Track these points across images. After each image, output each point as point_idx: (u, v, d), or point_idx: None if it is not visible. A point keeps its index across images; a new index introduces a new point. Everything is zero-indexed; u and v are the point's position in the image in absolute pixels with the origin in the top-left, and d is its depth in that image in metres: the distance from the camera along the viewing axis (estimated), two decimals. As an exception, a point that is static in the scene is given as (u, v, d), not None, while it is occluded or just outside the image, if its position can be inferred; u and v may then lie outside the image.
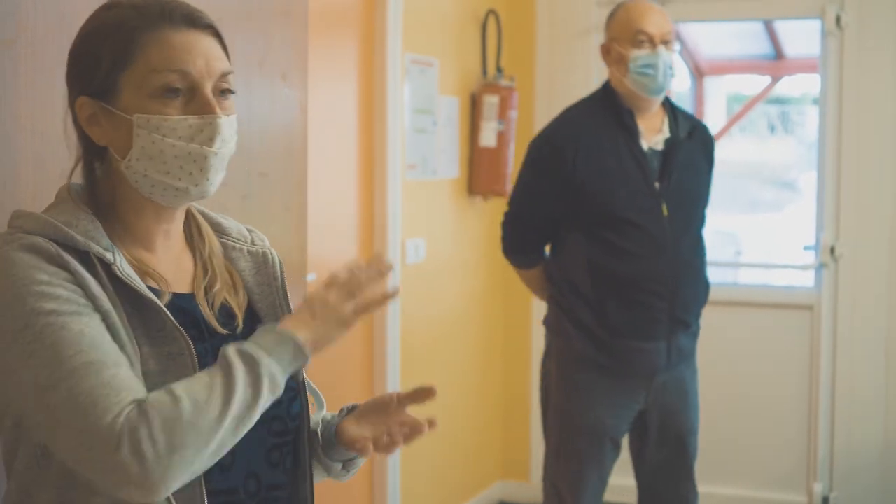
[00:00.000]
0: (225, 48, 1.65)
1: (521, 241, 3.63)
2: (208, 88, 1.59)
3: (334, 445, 1.79)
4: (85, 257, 1.54)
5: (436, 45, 4.67)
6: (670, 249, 3.41)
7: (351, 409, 1.82)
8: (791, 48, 7.41)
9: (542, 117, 5.21)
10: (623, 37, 3.40)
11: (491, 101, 4.89)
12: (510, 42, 5.18)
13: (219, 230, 1.79)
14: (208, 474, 1.55)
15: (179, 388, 1.44)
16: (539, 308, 5.29)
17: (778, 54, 7.46)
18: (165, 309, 1.56)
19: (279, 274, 1.80)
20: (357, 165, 4.18)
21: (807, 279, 5.16)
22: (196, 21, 1.61)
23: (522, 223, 3.59)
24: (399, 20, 4.29)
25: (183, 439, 1.41)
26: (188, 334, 1.59)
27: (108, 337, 1.47)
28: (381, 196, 4.29)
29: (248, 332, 1.67)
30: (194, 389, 1.44)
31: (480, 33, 5.01)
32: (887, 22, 4.78)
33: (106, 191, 1.63)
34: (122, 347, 1.49)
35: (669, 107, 3.54)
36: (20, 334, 1.45)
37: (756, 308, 5.07)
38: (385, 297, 1.58)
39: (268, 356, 1.49)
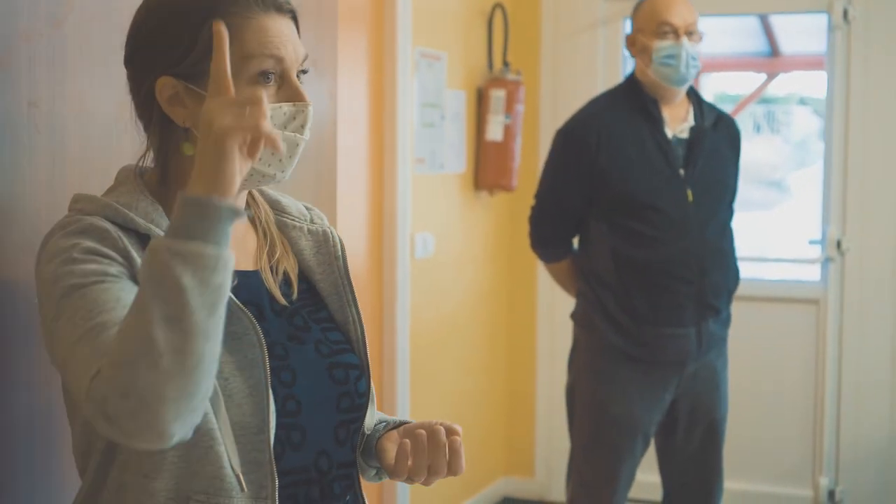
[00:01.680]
0: (299, 31, 1.64)
1: (548, 234, 3.63)
2: (295, 74, 1.58)
3: (372, 454, 1.75)
4: (145, 241, 1.52)
5: (444, 38, 4.65)
6: (696, 234, 3.42)
7: (397, 426, 1.77)
8: (787, 45, 7.44)
9: (548, 112, 5.22)
10: (648, 28, 3.43)
11: (498, 95, 4.87)
12: (516, 36, 5.17)
13: (277, 208, 1.77)
14: (279, 454, 1.55)
15: (113, 331, 1.38)
16: (544, 303, 5.29)
17: (774, 51, 7.48)
18: (231, 294, 1.53)
19: (340, 253, 1.78)
20: (367, 159, 4.15)
21: (813, 273, 5.16)
22: (282, 6, 1.60)
23: (549, 216, 3.60)
24: (409, 13, 4.27)
25: (124, 378, 1.31)
26: (253, 312, 1.57)
27: (129, 298, 1.41)
28: (390, 190, 4.26)
29: (304, 302, 1.69)
30: (121, 324, 1.36)
31: (487, 27, 4.99)
32: (895, 16, 4.78)
33: (179, 174, 1.61)
34: None
35: (695, 97, 3.56)
36: (49, 308, 1.45)
37: (762, 302, 5.06)
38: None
39: (169, 237, 1.34)
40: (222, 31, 1.42)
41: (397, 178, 4.26)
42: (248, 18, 1.55)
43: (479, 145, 4.94)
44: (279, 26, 1.57)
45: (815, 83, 10.74)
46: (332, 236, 1.80)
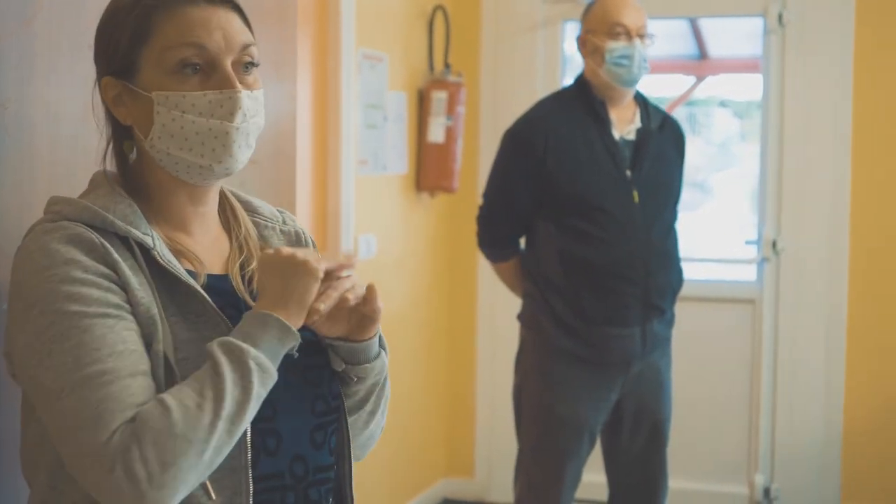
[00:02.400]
0: (247, 21, 1.63)
1: (495, 234, 3.65)
2: (227, 63, 1.56)
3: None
4: (125, 242, 1.52)
5: (386, 39, 4.64)
6: (642, 236, 3.45)
7: None
8: (716, 48, 7.52)
9: (488, 113, 5.23)
10: (600, 29, 3.45)
11: (439, 97, 4.87)
12: (457, 38, 5.18)
13: (250, 209, 1.77)
14: (255, 459, 1.53)
15: (169, 396, 1.40)
16: (484, 304, 5.30)
17: (703, 54, 7.57)
18: (205, 294, 1.54)
19: (311, 248, 1.79)
20: (311, 161, 4.13)
21: (748, 274, 5.23)
22: None
23: (496, 216, 3.61)
24: (352, 14, 4.25)
25: (175, 453, 1.37)
26: (230, 315, 1.56)
27: (133, 339, 1.44)
28: (334, 192, 4.24)
29: None
30: (184, 396, 1.40)
31: (428, 29, 4.99)
32: (829, 19, 4.87)
33: (138, 172, 1.62)
34: (153, 342, 1.47)
35: (641, 100, 3.59)
36: (44, 332, 1.43)
37: (698, 302, 5.11)
38: (347, 299, 1.57)
39: (253, 345, 1.45)
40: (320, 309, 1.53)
41: (341, 180, 4.24)
42: (172, 10, 1.55)
43: (421, 147, 4.93)
44: (206, 15, 1.56)
45: (736, 85, 10.90)
46: (304, 236, 1.81)
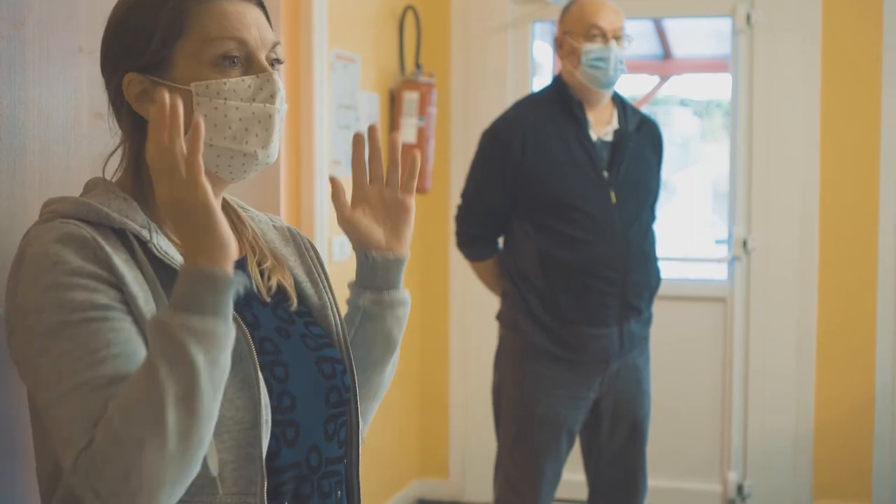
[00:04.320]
0: (269, 19, 1.64)
1: (473, 233, 3.65)
2: (263, 56, 1.57)
3: (392, 272, 1.78)
4: (122, 236, 1.51)
5: (357, 40, 4.63)
6: (619, 236, 3.46)
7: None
8: (679, 48, 7.58)
9: (458, 114, 5.23)
10: (577, 30, 3.46)
11: (411, 98, 4.87)
12: (428, 38, 5.18)
13: (240, 206, 1.78)
14: (275, 450, 1.53)
15: (113, 403, 1.36)
16: (456, 304, 5.31)
17: (666, 54, 7.62)
18: None
19: (309, 244, 1.80)
20: (284, 162, 4.11)
21: (719, 272, 5.26)
22: None
23: (475, 215, 3.62)
24: (324, 15, 4.25)
25: (128, 460, 1.32)
26: (241, 301, 1.55)
27: (119, 339, 1.41)
28: (307, 193, 4.24)
29: (283, 296, 1.68)
30: (124, 397, 1.35)
31: (398, 29, 4.99)
32: (797, 19, 4.90)
33: (136, 163, 1.60)
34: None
35: (619, 101, 3.61)
36: (30, 347, 1.42)
37: (670, 301, 5.14)
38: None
39: (186, 310, 1.35)
40: (200, 123, 1.38)
41: (315, 181, 4.23)
42: (206, 3, 1.55)
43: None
44: (241, 10, 1.57)
45: (700, 85, 10.97)
46: (296, 232, 1.82)
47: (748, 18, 4.94)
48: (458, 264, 5.21)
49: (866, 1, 4.83)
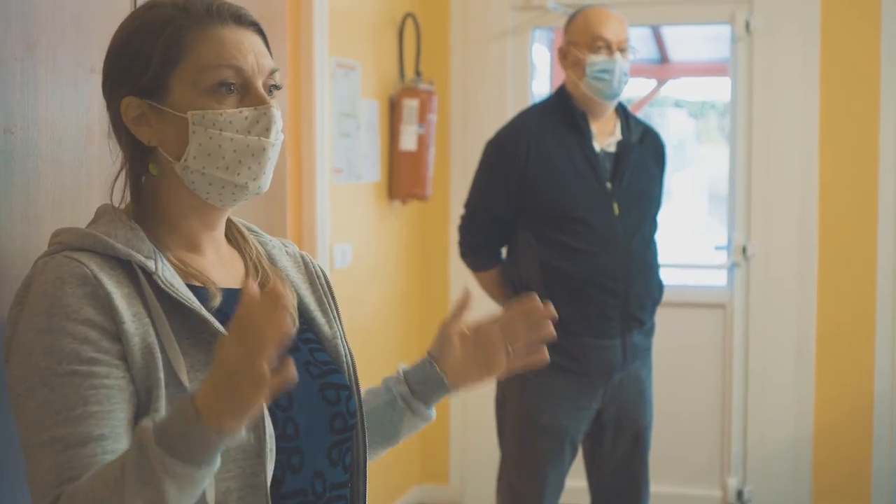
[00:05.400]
0: (268, 45, 1.64)
1: (477, 243, 3.65)
2: (260, 84, 1.57)
3: (444, 389, 1.83)
4: (127, 267, 1.51)
5: (357, 48, 4.64)
6: (622, 247, 3.47)
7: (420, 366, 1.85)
8: (676, 53, 7.58)
9: (458, 121, 5.24)
10: (582, 41, 3.46)
11: (411, 105, 4.88)
12: (427, 46, 5.18)
13: (252, 232, 1.78)
14: (280, 478, 1.54)
15: (87, 481, 1.37)
16: (455, 311, 5.31)
17: (663, 58, 7.63)
18: (209, 315, 1.53)
19: (321, 273, 1.80)
20: (286, 170, 4.11)
21: (719, 278, 5.27)
22: (242, 18, 1.59)
23: (478, 225, 3.62)
24: (325, 23, 4.25)
25: None
26: None
27: (97, 397, 1.42)
28: (309, 201, 4.24)
29: (302, 328, 1.69)
30: (92, 485, 1.36)
31: (398, 37, 4.99)
32: (795, 26, 4.92)
33: (151, 195, 1.61)
34: (153, 371, 1.46)
35: (622, 112, 3.61)
36: (17, 385, 1.45)
37: (669, 307, 5.14)
38: (283, 336, 1.30)
39: (164, 448, 1.31)
40: (251, 287, 1.31)
41: (316, 189, 4.23)
42: (204, 30, 1.55)
43: (393, 155, 4.93)
44: (238, 37, 1.57)
45: (696, 89, 10.97)
46: (309, 260, 1.82)
47: (747, 25, 4.95)
48: (458, 271, 5.21)
49: (864, 8, 4.85)
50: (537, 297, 1.80)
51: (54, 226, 1.90)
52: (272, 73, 1.60)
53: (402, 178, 4.92)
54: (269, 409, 1.53)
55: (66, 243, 1.52)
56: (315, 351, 1.69)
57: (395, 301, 5.10)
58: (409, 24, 5.05)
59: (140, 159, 1.60)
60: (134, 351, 1.46)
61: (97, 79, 2.01)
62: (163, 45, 1.54)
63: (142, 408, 1.47)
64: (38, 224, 1.87)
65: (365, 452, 1.74)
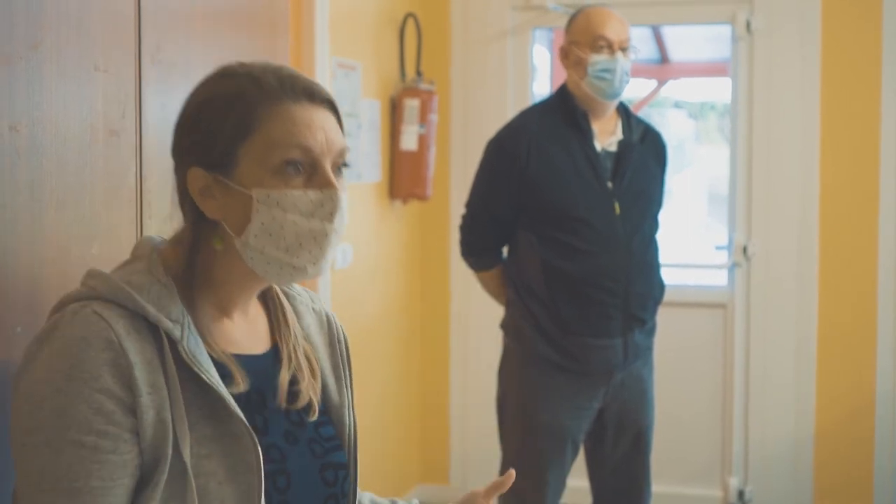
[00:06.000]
0: (340, 122, 1.61)
1: (477, 242, 3.65)
2: (328, 164, 1.54)
3: None
4: (154, 327, 1.50)
5: (358, 48, 4.64)
6: (623, 247, 3.47)
7: None
8: (676, 53, 7.58)
9: (458, 121, 5.24)
10: (583, 41, 3.46)
11: (412, 105, 4.88)
12: (428, 46, 5.18)
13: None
14: None
15: None
16: (456, 311, 5.32)
17: (664, 58, 7.63)
18: (227, 394, 1.51)
19: (343, 337, 1.79)
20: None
21: (720, 278, 5.28)
22: (315, 95, 1.56)
23: (479, 225, 3.62)
24: (326, 23, 4.25)
25: None
26: (255, 400, 1.57)
27: (99, 473, 1.42)
28: (310, 201, 4.23)
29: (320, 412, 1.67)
30: None
31: (399, 37, 4.99)
32: (796, 27, 4.92)
33: (204, 264, 1.58)
34: (162, 445, 1.45)
35: (623, 111, 3.61)
36: (23, 435, 1.44)
37: (670, 307, 5.14)
38: None
39: None
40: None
41: (319, 190, 4.22)
42: (276, 107, 1.52)
43: (394, 154, 4.93)
44: (310, 115, 1.54)
45: (696, 89, 10.97)
46: (333, 321, 1.79)
47: (748, 25, 4.96)
48: (459, 271, 5.22)
49: (866, 8, 4.85)
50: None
51: (59, 223, 1.91)
52: (342, 152, 1.57)
53: (403, 177, 4.92)
54: (267, 492, 1.52)
55: (99, 292, 1.50)
56: (320, 425, 1.68)
57: (395, 301, 5.10)
58: (410, 24, 5.05)
59: (201, 230, 1.57)
60: (146, 425, 1.45)
61: (101, 77, 2.02)
62: (233, 119, 1.52)
63: (144, 478, 1.46)
64: (42, 221, 1.87)
65: (356, 498, 1.73)
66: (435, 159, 5.05)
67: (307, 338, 1.72)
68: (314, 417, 1.65)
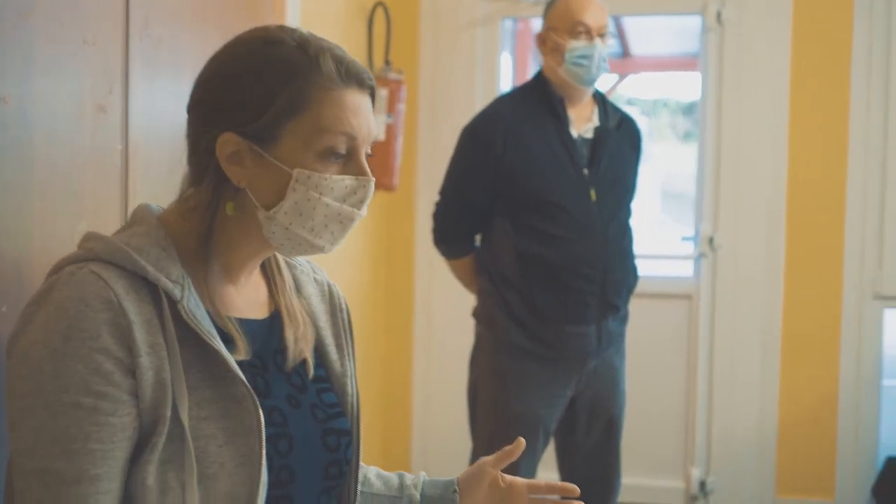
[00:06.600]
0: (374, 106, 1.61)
1: (451, 230, 3.63)
2: (364, 153, 1.56)
3: None
4: (153, 288, 1.48)
5: (327, 36, 4.54)
6: (599, 234, 3.46)
7: (447, 485, 1.86)
8: (638, 46, 7.61)
9: (426, 111, 5.22)
10: (561, 27, 3.45)
11: (380, 95, 4.84)
12: (397, 35, 5.15)
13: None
14: None
15: None
16: (421, 301, 5.29)
17: (625, 52, 7.65)
18: (228, 354, 1.50)
19: (345, 306, 1.78)
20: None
21: (686, 269, 5.29)
22: (364, 82, 1.56)
23: (453, 212, 3.60)
24: (297, 12, 4.21)
25: None
26: (257, 364, 1.56)
27: (98, 435, 1.41)
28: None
29: (314, 364, 1.66)
30: None
31: (367, 26, 4.96)
32: (767, 18, 4.94)
33: (221, 230, 1.56)
34: (160, 406, 1.44)
35: (599, 98, 3.60)
36: (19, 398, 1.42)
37: (636, 298, 5.14)
38: None
39: None
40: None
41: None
42: (328, 90, 1.51)
43: (361, 144, 4.89)
44: (357, 102, 1.54)
45: (650, 83, 11.01)
46: (335, 291, 1.79)
47: (718, 16, 4.96)
48: (424, 263, 5.21)
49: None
50: (575, 487, 1.81)
51: (46, 196, 1.88)
52: (374, 139, 1.59)
53: (371, 167, 4.87)
54: (268, 455, 1.50)
55: (96, 253, 1.48)
56: (323, 391, 1.67)
57: (360, 292, 5.07)
58: (380, 12, 5.02)
59: (221, 196, 1.55)
60: (145, 386, 1.43)
61: (90, 50, 1.98)
62: (286, 95, 1.50)
63: (142, 441, 1.45)
64: (29, 193, 1.83)
65: (356, 496, 1.72)
66: (404, 150, 5.02)
67: (309, 309, 1.71)
68: (311, 375, 1.65)
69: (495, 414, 3.55)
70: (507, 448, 1.81)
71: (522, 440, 1.82)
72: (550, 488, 1.82)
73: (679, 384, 5.18)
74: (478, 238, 3.65)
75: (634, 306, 5.06)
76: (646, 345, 5.18)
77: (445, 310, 5.16)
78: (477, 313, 3.66)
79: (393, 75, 4.93)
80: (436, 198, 3.70)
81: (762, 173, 4.99)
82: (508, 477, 1.84)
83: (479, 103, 4.60)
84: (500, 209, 3.50)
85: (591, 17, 3.43)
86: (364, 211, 1.56)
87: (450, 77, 5.20)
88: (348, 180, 1.53)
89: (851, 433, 4.98)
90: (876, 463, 5.01)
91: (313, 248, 1.55)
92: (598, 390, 3.60)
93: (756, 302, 5.02)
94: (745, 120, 4.99)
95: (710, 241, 5.05)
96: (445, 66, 5.22)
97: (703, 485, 5.10)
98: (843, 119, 4.88)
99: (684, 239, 5.25)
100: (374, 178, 1.57)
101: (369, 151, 1.58)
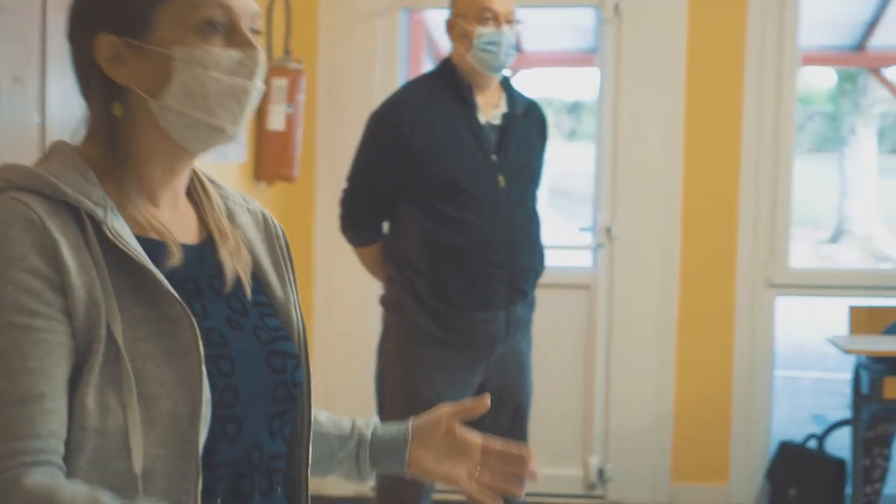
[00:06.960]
0: None
1: (359, 217, 3.62)
2: (245, 25, 1.51)
3: (398, 465, 1.78)
4: (76, 213, 1.44)
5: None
6: (507, 220, 3.48)
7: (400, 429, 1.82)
8: (529, 43, 7.66)
9: (325, 101, 5.19)
10: (469, 13, 3.46)
11: (279, 84, 4.80)
12: (297, 24, 5.11)
13: (215, 185, 1.69)
14: (213, 447, 1.48)
15: (63, 498, 1.36)
16: (321, 292, 5.26)
17: (517, 48, 7.69)
18: (155, 270, 1.47)
19: (281, 234, 1.73)
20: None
21: (584, 259, 5.35)
22: None
23: (360, 199, 3.58)
24: None
25: None
26: (191, 288, 1.52)
27: (36, 352, 1.38)
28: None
29: (254, 290, 1.61)
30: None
31: (267, 14, 4.91)
32: (664, 9, 5.02)
33: (116, 137, 1.51)
34: (94, 326, 1.40)
35: (507, 85, 3.62)
36: None
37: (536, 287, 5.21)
38: None
39: None
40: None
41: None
42: None
43: (260, 135, 4.85)
44: None
45: (540, 80, 11.10)
46: (270, 219, 1.74)
47: (616, 8, 5.02)
48: (322, 254, 5.18)
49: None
50: (532, 452, 1.77)
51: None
52: (256, 16, 1.54)
53: (270, 158, 4.84)
54: (210, 374, 1.47)
55: (14, 182, 1.44)
56: (266, 316, 1.63)
57: (261, 283, 5.03)
58: (279, 1, 4.98)
59: (113, 101, 1.51)
60: (78, 304, 1.40)
61: (8, 19, 1.93)
62: None
63: (79, 363, 1.41)
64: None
65: (309, 424, 1.68)
66: (304, 140, 4.98)
67: (245, 239, 1.67)
68: (249, 296, 1.61)
69: (403, 400, 3.54)
70: (470, 402, 1.78)
71: (487, 397, 1.78)
72: (505, 452, 1.79)
73: (577, 373, 5.24)
74: (386, 226, 3.65)
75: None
76: (545, 334, 5.20)
77: (346, 300, 5.15)
78: (385, 300, 3.65)
79: (293, 65, 4.89)
80: (339, 187, 3.67)
81: (658, 164, 5.07)
82: (464, 430, 1.80)
83: (379, 93, 4.58)
84: (407, 196, 3.49)
85: (499, 4, 3.45)
86: (259, 83, 1.52)
87: (349, 67, 5.18)
88: (233, 52, 1.49)
89: (745, 420, 5.09)
90: (769, 448, 5.13)
91: (214, 131, 1.50)
92: (506, 376, 3.61)
93: (652, 291, 5.10)
94: (642, 111, 5.06)
95: (608, 231, 5.11)
96: (345, 55, 5.20)
97: (601, 472, 5.17)
98: (737, 107, 4.99)
99: (582, 230, 5.30)
100: (261, 49, 1.52)
101: (256, 28, 1.54)
